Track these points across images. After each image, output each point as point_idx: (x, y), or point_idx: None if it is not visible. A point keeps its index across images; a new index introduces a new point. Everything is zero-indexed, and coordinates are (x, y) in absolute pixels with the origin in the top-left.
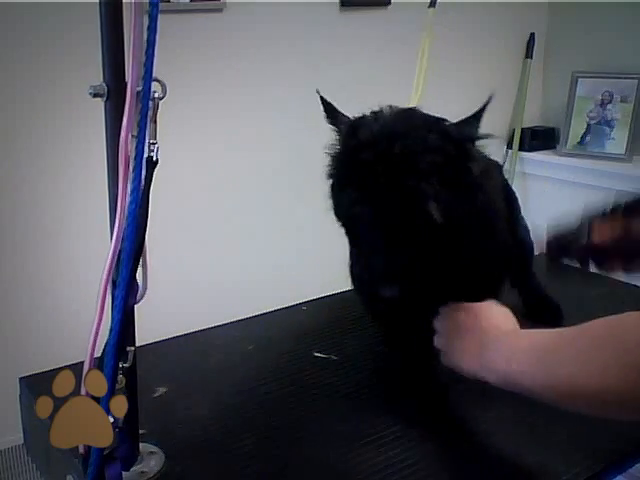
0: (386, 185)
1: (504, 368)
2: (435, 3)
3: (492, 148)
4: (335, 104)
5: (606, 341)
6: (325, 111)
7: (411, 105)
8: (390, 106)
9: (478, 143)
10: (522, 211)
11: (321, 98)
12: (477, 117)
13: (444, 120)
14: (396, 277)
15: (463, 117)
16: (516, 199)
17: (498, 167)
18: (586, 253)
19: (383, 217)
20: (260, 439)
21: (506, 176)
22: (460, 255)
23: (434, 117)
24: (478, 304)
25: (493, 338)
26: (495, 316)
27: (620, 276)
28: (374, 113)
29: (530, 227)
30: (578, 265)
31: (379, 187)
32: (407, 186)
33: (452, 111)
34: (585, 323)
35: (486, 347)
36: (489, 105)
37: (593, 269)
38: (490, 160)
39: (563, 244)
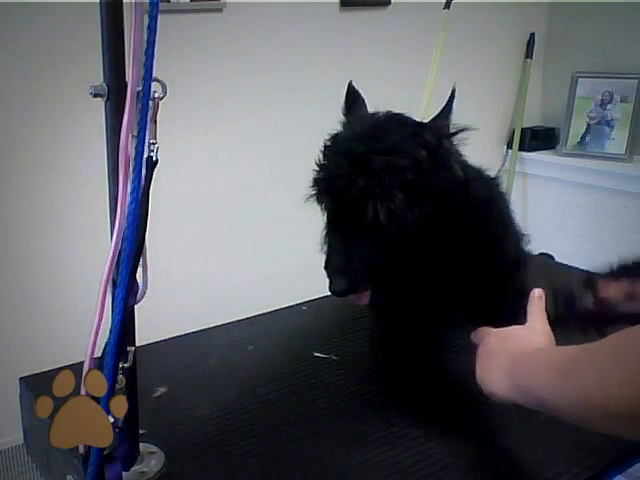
0: (343, 186)
1: (530, 386)
2: (450, 4)
3: (492, 148)
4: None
5: (629, 352)
6: (347, 100)
7: (423, 104)
8: (378, 112)
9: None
10: (520, 217)
11: (351, 88)
12: (446, 113)
13: (421, 123)
14: (343, 272)
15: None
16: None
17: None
18: (590, 314)
19: (340, 215)
20: (260, 439)
21: (504, 176)
22: (447, 256)
23: (413, 121)
24: (509, 328)
25: (519, 357)
26: (523, 337)
27: None
28: (359, 117)
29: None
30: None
31: (338, 188)
32: (357, 186)
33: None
34: (610, 335)
35: (513, 367)
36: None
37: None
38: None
39: (569, 304)
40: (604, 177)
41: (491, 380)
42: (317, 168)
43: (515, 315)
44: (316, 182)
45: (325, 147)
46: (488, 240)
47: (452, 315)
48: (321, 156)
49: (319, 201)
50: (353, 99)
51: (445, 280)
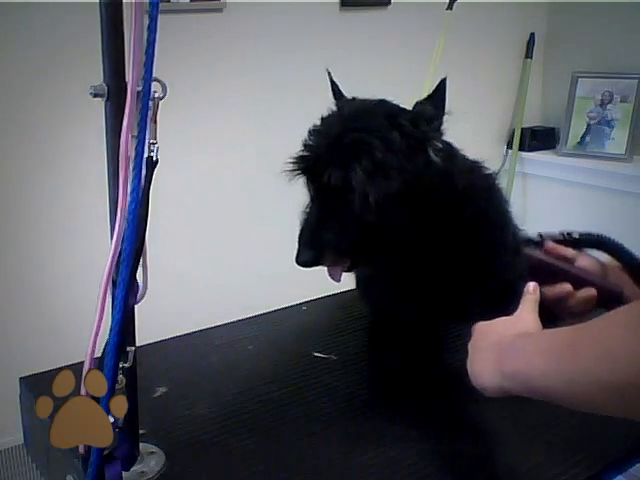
0: (313, 162)
1: (525, 371)
2: (452, 5)
3: (492, 148)
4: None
5: (630, 327)
6: (332, 90)
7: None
8: (371, 99)
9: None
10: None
11: (330, 78)
12: (432, 99)
13: (403, 108)
14: (309, 244)
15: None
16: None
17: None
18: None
19: (311, 190)
20: (260, 439)
21: (504, 176)
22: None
23: (397, 106)
24: (494, 320)
25: (506, 344)
26: (507, 325)
27: None
28: (346, 102)
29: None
30: None
31: (310, 164)
32: (322, 160)
33: (452, 110)
34: (607, 313)
35: (504, 355)
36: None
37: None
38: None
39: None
40: (604, 177)
41: (480, 374)
42: (301, 148)
43: (508, 309)
44: (294, 160)
45: (312, 128)
46: (481, 230)
47: (443, 309)
48: (306, 136)
49: (297, 177)
50: (336, 86)
51: (433, 272)
